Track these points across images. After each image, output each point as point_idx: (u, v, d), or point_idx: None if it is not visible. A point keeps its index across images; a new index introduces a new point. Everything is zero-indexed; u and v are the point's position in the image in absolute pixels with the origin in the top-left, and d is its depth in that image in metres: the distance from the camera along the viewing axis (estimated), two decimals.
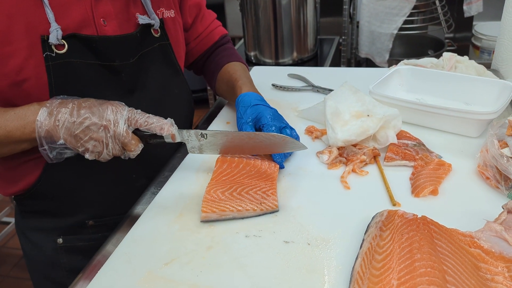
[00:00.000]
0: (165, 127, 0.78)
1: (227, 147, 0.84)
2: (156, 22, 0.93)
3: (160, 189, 0.87)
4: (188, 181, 0.88)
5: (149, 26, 0.92)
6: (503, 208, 0.69)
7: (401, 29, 2.45)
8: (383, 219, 0.70)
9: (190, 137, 0.83)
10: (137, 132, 0.78)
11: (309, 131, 1.02)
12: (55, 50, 0.79)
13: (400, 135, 0.94)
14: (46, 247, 0.97)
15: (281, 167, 0.88)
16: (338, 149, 0.92)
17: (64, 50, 0.80)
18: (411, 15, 2.41)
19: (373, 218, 0.72)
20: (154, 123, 0.77)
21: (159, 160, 0.96)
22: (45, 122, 0.74)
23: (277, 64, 2.47)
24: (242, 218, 0.77)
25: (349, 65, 2.78)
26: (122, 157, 0.79)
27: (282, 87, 1.25)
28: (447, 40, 2.64)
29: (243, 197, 0.77)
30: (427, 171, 0.84)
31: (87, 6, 0.82)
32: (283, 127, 0.89)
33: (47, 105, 0.75)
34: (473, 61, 1.16)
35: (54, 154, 0.76)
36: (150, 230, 0.76)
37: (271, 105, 0.97)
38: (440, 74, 1.08)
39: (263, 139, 0.82)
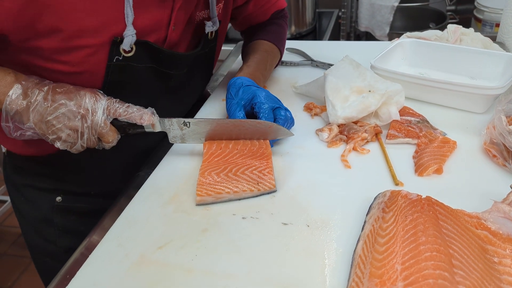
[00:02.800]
0: (145, 117, 0.74)
1: (211, 136, 0.81)
2: (215, 25, 0.89)
3: (153, 170, 0.84)
4: (183, 161, 0.85)
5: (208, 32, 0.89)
6: (511, 188, 0.66)
7: (401, 1, 2.39)
8: (386, 200, 0.67)
9: (172, 126, 0.79)
10: (114, 122, 0.74)
11: (308, 108, 0.98)
12: (123, 53, 0.74)
13: (403, 111, 0.90)
14: (41, 204, 0.95)
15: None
16: (339, 126, 0.89)
17: (131, 54, 0.75)
18: None
19: (375, 199, 0.69)
20: (134, 113, 0.74)
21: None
22: (17, 102, 0.69)
23: None
24: (239, 199, 0.74)
25: (348, 39, 2.72)
26: (97, 147, 0.75)
27: (280, 61, 1.20)
28: (449, 13, 2.57)
29: (239, 178, 0.74)
30: (431, 149, 0.81)
31: (162, 9, 0.77)
32: (277, 107, 0.85)
33: (23, 82, 0.70)
34: (479, 34, 1.11)
35: (17, 134, 0.72)
36: (143, 212, 0.73)
37: (268, 82, 0.92)
38: (445, 47, 1.04)
39: (248, 127, 0.79)
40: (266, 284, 0.59)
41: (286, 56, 1.25)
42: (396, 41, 1.08)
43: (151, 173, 0.83)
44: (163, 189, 0.78)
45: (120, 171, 0.92)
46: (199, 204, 0.73)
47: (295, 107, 1.00)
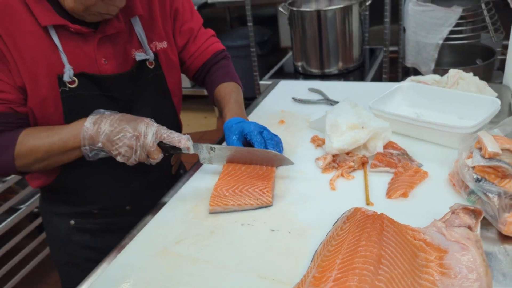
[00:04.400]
0: (183, 141, 0.99)
1: (231, 159, 1.06)
2: (150, 56, 1.13)
3: (184, 185, 1.09)
4: (206, 179, 1.09)
5: (144, 60, 1.13)
6: (449, 209, 0.82)
7: (450, 38, 2.47)
8: (348, 214, 0.86)
9: (202, 149, 1.04)
10: (160, 144, 1.00)
11: (313, 140, 1.18)
12: (68, 85, 1.02)
13: (388, 145, 1.08)
14: (61, 227, 1.22)
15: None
16: (333, 156, 1.09)
17: (75, 85, 1.03)
18: (459, 24, 2.42)
19: (343, 213, 0.88)
20: (174, 137, 0.99)
21: (149, 168, 1.12)
22: (90, 128, 0.97)
23: (323, 74, 2.61)
24: (242, 210, 0.96)
25: (396, 74, 2.85)
26: (146, 162, 1.01)
27: (300, 100, 1.42)
28: (498, 49, 2.61)
29: (243, 194, 0.96)
30: (404, 177, 0.98)
31: (92, 49, 1.04)
32: (262, 131, 1.07)
33: (92, 116, 0.99)
34: (476, 78, 1.26)
35: (92, 154, 0.99)
36: (170, 216, 0.98)
37: (288, 116, 1.14)
38: (437, 90, 1.20)
39: (259, 154, 1.03)
40: (250, 273, 0.80)
41: (306, 94, 1.47)
42: (397, 85, 1.26)
43: (182, 186, 1.08)
44: (187, 201, 1.02)
45: (113, 190, 1.18)
46: (211, 212, 0.96)
47: (305, 138, 1.21)
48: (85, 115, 1.02)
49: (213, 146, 1.04)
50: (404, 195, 0.93)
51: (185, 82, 3.77)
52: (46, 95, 1.01)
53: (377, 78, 2.69)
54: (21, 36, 0.97)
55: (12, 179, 2.19)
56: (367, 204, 0.94)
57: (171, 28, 1.21)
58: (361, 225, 0.81)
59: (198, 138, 3.56)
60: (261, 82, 2.77)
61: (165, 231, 0.94)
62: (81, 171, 1.12)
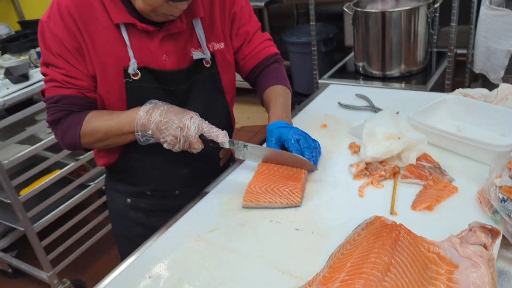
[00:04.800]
0: (220, 136, 1.09)
1: (265, 159, 1.15)
2: (207, 56, 1.23)
3: (225, 178, 1.19)
4: (245, 175, 1.17)
5: (201, 59, 1.23)
6: (468, 226, 0.84)
7: None
8: (368, 221, 0.91)
9: (237, 146, 1.13)
10: (201, 136, 1.09)
11: (351, 146, 1.23)
12: (132, 77, 1.15)
13: (422, 157, 1.10)
14: (120, 203, 1.38)
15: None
16: (366, 164, 1.13)
17: (138, 77, 1.15)
18: None
19: (365, 220, 0.93)
20: (213, 132, 1.08)
21: (198, 158, 1.22)
22: (143, 116, 1.09)
23: (384, 76, 2.60)
24: (272, 208, 1.04)
25: (463, 78, 2.75)
26: (189, 151, 1.10)
27: (346, 105, 1.46)
28: None
29: (274, 192, 1.04)
30: (432, 190, 1.00)
31: (155, 45, 1.16)
32: (299, 139, 1.13)
33: (146, 105, 1.10)
34: None
35: (143, 139, 1.11)
36: (208, 206, 1.08)
37: (331, 121, 1.22)
38: (482, 105, 1.20)
39: (288, 157, 1.11)
40: (269, 265, 0.88)
41: (352, 100, 1.50)
42: (441, 97, 1.26)
43: (224, 178, 1.18)
44: (225, 193, 1.12)
45: (165, 175, 1.29)
46: (244, 207, 1.05)
47: (343, 144, 1.26)
48: (145, 101, 1.15)
49: (247, 144, 1.13)
50: (429, 208, 0.96)
51: None
52: (112, 84, 1.15)
53: (441, 82, 2.62)
54: (96, 31, 1.11)
55: (84, 158, 2.43)
56: (391, 213, 0.97)
57: (229, 30, 1.30)
58: (377, 233, 0.86)
59: (256, 131, 3.67)
60: (320, 80, 2.80)
61: (202, 219, 1.04)
62: (137, 155, 1.26)
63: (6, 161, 2.07)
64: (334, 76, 2.82)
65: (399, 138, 1.12)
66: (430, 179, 1.04)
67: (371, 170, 1.11)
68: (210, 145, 1.10)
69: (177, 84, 1.21)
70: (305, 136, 1.16)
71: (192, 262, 0.92)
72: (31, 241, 2.25)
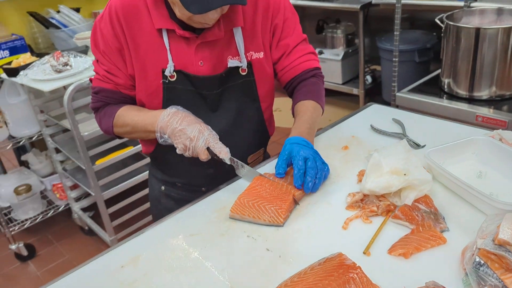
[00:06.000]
0: (222, 153, 1.14)
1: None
2: (243, 64, 1.26)
3: (230, 184, 1.25)
4: (243, 188, 1.20)
5: (237, 67, 1.26)
6: (425, 284, 0.79)
7: None
8: (329, 257, 0.89)
9: (236, 164, 1.19)
10: (209, 148, 1.15)
11: (360, 174, 1.19)
12: (168, 78, 1.24)
13: (422, 199, 1.03)
14: (155, 189, 1.51)
15: (310, 190, 1.11)
16: (364, 195, 1.09)
17: (174, 79, 1.24)
18: None
19: (330, 254, 0.91)
20: (217, 148, 1.14)
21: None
22: (164, 120, 1.18)
23: (471, 97, 2.39)
24: (255, 223, 1.06)
25: None
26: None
27: (376, 129, 1.40)
28: None
29: (260, 209, 1.06)
30: (417, 237, 0.94)
31: (192, 51, 1.22)
32: (308, 158, 1.11)
33: (168, 109, 1.19)
34: None
35: (161, 140, 1.20)
36: (201, 210, 1.14)
37: (355, 143, 1.26)
38: (508, 151, 1.07)
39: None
40: (227, 280, 0.91)
41: (387, 124, 1.43)
42: (470, 137, 1.16)
43: (225, 186, 1.23)
44: (222, 200, 1.17)
45: (193, 172, 1.36)
46: (231, 218, 1.09)
47: (354, 170, 1.22)
48: (179, 103, 1.25)
49: (244, 165, 1.18)
50: (405, 255, 0.91)
51: (337, 78, 3.83)
52: (151, 83, 1.26)
53: None
54: (139, 33, 1.22)
55: None
56: (364, 252, 0.94)
57: (269, 41, 1.33)
58: (330, 271, 0.84)
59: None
60: (398, 94, 2.66)
61: (190, 222, 1.11)
62: (169, 150, 1.35)
63: (86, 133, 2.34)
64: (415, 90, 2.66)
65: (405, 174, 1.06)
66: (421, 224, 0.97)
67: (366, 203, 1.07)
68: (215, 157, 1.15)
69: (209, 89, 1.28)
70: (315, 157, 1.14)
71: (162, 261, 0.99)
72: (99, 207, 2.53)
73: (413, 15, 3.82)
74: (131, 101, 1.33)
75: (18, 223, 2.94)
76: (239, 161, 1.18)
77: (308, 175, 1.11)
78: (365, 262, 0.91)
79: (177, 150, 1.19)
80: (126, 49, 1.23)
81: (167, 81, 1.25)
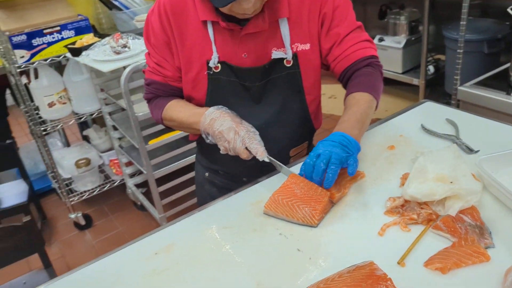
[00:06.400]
0: (259, 153, 1.13)
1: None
2: (288, 55, 1.23)
3: (269, 178, 1.24)
4: (281, 183, 1.19)
5: (281, 58, 1.24)
6: None
7: None
8: (360, 265, 0.86)
9: (274, 163, 1.17)
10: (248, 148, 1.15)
11: (403, 177, 1.13)
12: (213, 69, 1.25)
13: (468, 211, 0.97)
14: (200, 174, 1.55)
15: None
16: (405, 201, 1.04)
17: (218, 70, 1.25)
18: None
19: (363, 261, 0.88)
20: (253, 148, 1.14)
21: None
22: (204, 124, 1.20)
23: None
24: (289, 221, 1.05)
25: None
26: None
27: (428, 130, 1.32)
28: None
29: (294, 208, 1.05)
30: (458, 251, 0.89)
31: (236, 43, 1.22)
32: (319, 155, 1.07)
33: (208, 112, 1.20)
34: None
35: (208, 140, 1.22)
36: (237, 203, 1.15)
37: (402, 144, 1.22)
38: None
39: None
40: (253, 277, 0.91)
41: (439, 125, 1.35)
42: None
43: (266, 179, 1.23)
44: (257, 195, 1.16)
45: (234, 162, 1.31)
46: (264, 213, 1.09)
47: (397, 173, 1.16)
48: (223, 94, 1.28)
49: (282, 165, 1.17)
50: (442, 270, 0.86)
51: (397, 67, 3.67)
52: (196, 75, 1.28)
53: None
54: (186, 26, 1.24)
55: None
56: (398, 262, 0.90)
57: (317, 31, 1.28)
58: (358, 280, 0.82)
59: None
60: (461, 88, 2.49)
61: (224, 214, 1.12)
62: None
63: (141, 114, 2.42)
64: (480, 84, 2.49)
65: (451, 182, 1.00)
66: (463, 238, 0.91)
67: (406, 209, 1.02)
68: (255, 156, 1.15)
69: (252, 81, 1.28)
70: (332, 154, 1.06)
71: (194, 251, 1.01)
72: (150, 185, 2.62)
73: (485, 1, 3.55)
74: (180, 93, 1.36)
75: (78, 194, 3.13)
76: (277, 161, 1.17)
77: (329, 170, 1.04)
78: (398, 273, 0.87)
79: (220, 151, 1.20)
80: (173, 42, 1.26)
81: (211, 72, 1.26)
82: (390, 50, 3.65)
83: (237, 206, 1.14)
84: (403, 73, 3.68)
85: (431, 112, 1.46)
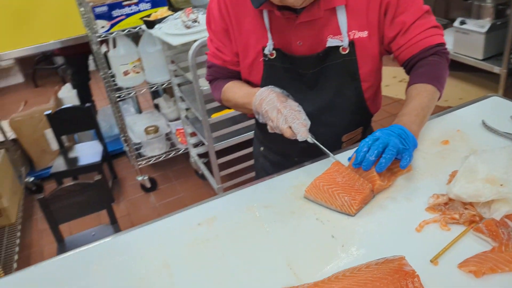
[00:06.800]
0: (299, 133, 1.14)
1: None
2: (344, 43, 1.22)
3: (319, 161, 1.26)
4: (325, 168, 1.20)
5: (337, 46, 1.22)
6: None
7: None
8: (389, 258, 0.87)
9: (317, 145, 1.17)
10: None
11: (452, 175, 1.10)
12: (268, 56, 1.27)
13: None
14: (256, 148, 1.62)
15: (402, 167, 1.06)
16: (449, 199, 1.01)
17: (273, 57, 1.28)
18: None
19: (393, 255, 0.89)
20: (295, 128, 1.14)
21: (317, 133, 1.24)
22: (255, 104, 1.23)
23: None
24: (327, 207, 1.07)
25: None
26: None
27: (489, 127, 1.25)
28: None
29: (334, 196, 1.06)
30: (496, 256, 0.86)
31: (291, 31, 1.23)
32: (386, 146, 1.05)
33: (259, 92, 1.23)
34: None
35: (261, 120, 1.24)
36: (280, 185, 1.18)
37: (458, 139, 1.19)
38: None
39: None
40: (284, 256, 0.95)
41: (504, 123, 1.27)
42: None
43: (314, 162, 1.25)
44: (301, 178, 1.18)
45: (287, 141, 1.29)
46: (305, 197, 1.11)
47: (448, 169, 1.12)
48: (277, 80, 1.31)
49: (324, 149, 1.18)
50: (476, 273, 0.84)
51: (477, 53, 3.43)
52: (252, 61, 1.33)
53: None
54: (243, 15, 1.29)
55: None
56: (431, 261, 0.89)
57: (378, 19, 1.25)
58: (385, 273, 0.83)
59: None
60: None
61: (267, 193, 1.16)
62: None
63: (205, 87, 2.51)
64: None
65: (501, 185, 0.96)
66: (505, 244, 0.88)
67: (449, 208, 0.99)
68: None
69: (305, 68, 1.30)
70: (392, 143, 1.05)
71: (233, 226, 1.06)
72: (210, 156, 2.73)
73: None
74: (238, 75, 1.42)
75: (145, 159, 3.33)
76: (320, 144, 1.17)
77: (383, 158, 1.05)
78: (429, 271, 0.86)
79: (269, 130, 1.23)
80: (231, 29, 1.31)
81: (267, 59, 1.30)
82: (472, 34, 3.42)
83: (279, 187, 1.17)
84: (483, 60, 3.45)
85: (497, 108, 1.38)
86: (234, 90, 1.37)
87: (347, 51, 1.25)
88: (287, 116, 1.15)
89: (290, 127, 1.16)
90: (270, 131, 1.23)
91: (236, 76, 1.42)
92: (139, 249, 1.05)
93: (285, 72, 1.31)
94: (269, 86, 1.25)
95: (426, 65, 1.24)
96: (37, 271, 1.04)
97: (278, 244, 0.99)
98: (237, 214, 1.10)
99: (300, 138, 1.14)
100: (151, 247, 1.05)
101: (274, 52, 1.28)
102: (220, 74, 1.43)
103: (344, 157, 1.22)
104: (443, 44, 1.27)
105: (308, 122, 1.17)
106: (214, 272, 0.95)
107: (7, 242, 2.84)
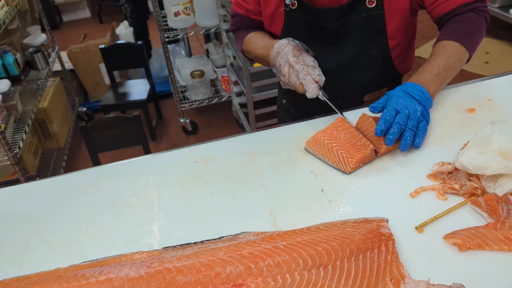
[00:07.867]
0: (310, 89, 1.07)
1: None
2: None
3: (323, 117, 1.21)
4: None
5: None
6: (452, 284, 0.68)
7: None
8: (371, 218, 0.83)
9: (328, 103, 1.11)
10: None
11: (466, 144, 1.01)
12: (290, 6, 1.21)
13: None
14: (280, 100, 1.59)
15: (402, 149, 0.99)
16: (455, 169, 0.94)
17: (294, 8, 1.21)
18: None
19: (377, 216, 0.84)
20: (305, 84, 1.08)
21: (337, 91, 1.23)
22: (272, 57, 1.18)
23: None
24: (324, 162, 1.03)
25: None
26: None
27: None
28: None
29: (332, 152, 1.01)
30: (487, 233, 0.79)
31: None
32: (399, 111, 0.99)
33: (276, 45, 1.17)
34: None
35: (275, 70, 1.21)
36: (285, 135, 1.15)
37: (485, 109, 1.09)
38: None
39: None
40: (268, 204, 0.94)
41: None
42: None
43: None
44: (306, 131, 1.14)
45: (305, 98, 1.26)
46: (305, 149, 1.08)
47: (465, 138, 1.04)
48: (298, 33, 1.26)
49: (334, 107, 1.11)
50: (460, 247, 0.78)
51: None
52: (273, 11, 1.29)
53: None
54: None
55: None
56: (416, 228, 0.84)
57: None
58: (359, 233, 0.79)
59: None
60: None
61: (269, 142, 1.13)
62: None
63: None
64: None
65: None
66: (501, 221, 0.81)
67: (451, 177, 0.92)
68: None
69: (327, 21, 1.22)
70: (411, 111, 1.00)
71: (227, 168, 1.06)
72: (248, 106, 2.72)
73: None
74: (261, 26, 1.38)
75: (189, 102, 3.38)
76: (330, 102, 1.11)
77: (391, 130, 0.98)
78: (412, 238, 0.82)
79: (282, 85, 1.19)
80: None
81: (288, 9, 1.24)
82: None
83: (282, 137, 1.14)
84: None
85: None
86: (254, 41, 1.33)
87: (373, 5, 1.16)
88: (299, 71, 1.10)
89: (302, 83, 1.11)
90: (283, 86, 1.18)
91: (259, 26, 1.37)
92: (134, 177, 1.07)
93: (306, 24, 1.25)
94: (288, 38, 1.19)
95: (460, 21, 1.13)
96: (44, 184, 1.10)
97: (265, 190, 0.98)
98: (234, 157, 1.09)
99: (309, 95, 1.09)
100: (145, 177, 1.07)
101: (295, 2, 1.22)
102: (243, 24, 1.39)
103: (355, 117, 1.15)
104: (483, 1, 1.14)
105: (323, 78, 1.10)
106: (196, 208, 0.96)
107: (54, 164, 3.04)
